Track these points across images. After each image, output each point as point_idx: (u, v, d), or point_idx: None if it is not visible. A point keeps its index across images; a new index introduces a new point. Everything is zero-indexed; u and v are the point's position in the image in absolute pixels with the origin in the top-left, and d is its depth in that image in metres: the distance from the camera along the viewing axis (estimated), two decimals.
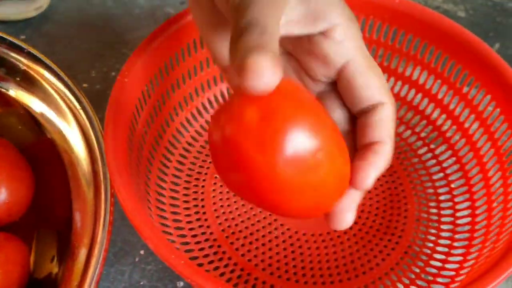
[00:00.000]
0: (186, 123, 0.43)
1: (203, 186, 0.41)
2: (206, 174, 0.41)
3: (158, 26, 0.53)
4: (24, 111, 0.40)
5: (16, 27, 0.52)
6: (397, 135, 0.44)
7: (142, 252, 0.38)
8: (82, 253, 0.33)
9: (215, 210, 0.39)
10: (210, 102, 0.44)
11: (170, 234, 0.37)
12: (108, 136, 0.32)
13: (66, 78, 0.39)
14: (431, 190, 0.41)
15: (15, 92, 0.39)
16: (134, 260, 0.38)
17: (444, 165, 0.42)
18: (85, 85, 0.48)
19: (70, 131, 0.38)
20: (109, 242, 0.31)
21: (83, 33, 0.52)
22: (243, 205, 0.40)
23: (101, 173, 0.34)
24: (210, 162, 0.42)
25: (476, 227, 0.37)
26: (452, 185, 0.41)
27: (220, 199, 0.40)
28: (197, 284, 0.27)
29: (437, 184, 0.41)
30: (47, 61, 0.38)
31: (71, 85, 0.38)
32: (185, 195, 0.40)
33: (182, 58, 0.41)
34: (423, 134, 0.43)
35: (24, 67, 0.37)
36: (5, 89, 0.40)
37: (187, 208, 0.39)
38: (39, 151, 0.40)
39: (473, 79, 0.39)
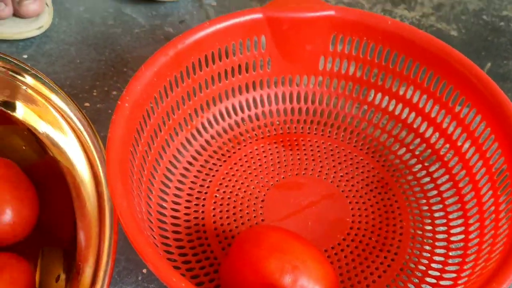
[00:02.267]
0: (186, 143, 0.44)
1: (203, 205, 0.42)
2: (206, 193, 0.42)
3: (158, 45, 0.54)
4: (27, 131, 0.41)
5: (18, 46, 0.53)
6: (392, 153, 0.45)
7: (144, 271, 0.39)
8: (88, 272, 0.34)
9: (215, 229, 0.40)
10: (209, 122, 0.45)
11: (172, 253, 0.38)
12: (110, 161, 0.33)
13: (68, 99, 0.40)
14: (425, 207, 0.42)
15: (19, 113, 0.40)
16: (137, 279, 0.39)
17: (438, 182, 0.43)
18: (86, 104, 0.49)
19: (73, 152, 0.39)
20: (114, 261, 0.32)
21: (84, 52, 0.53)
22: (242, 223, 0.41)
23: (105, 194, 0.35)
24: (210, 181, 0.43)
25: (469, 244, 0.38)
26: (446, 202, 0.42)
27: (220, 218, 0.41)
28: None
29: (431, 201, 0.42)
30: (50, 82, 0.39)
31: (74, 106, 0.39)
32: (186, 214, 0.41)
33: (181, 81, 0.42)
34: (417, 152, 0.45)
35: (28, 88, 0.38)
36: (9, 109, 0.41)
37: (188, 227, 0.40)
38: (43, 171, 0.41)
39: (464, 98, 0.40)
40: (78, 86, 0.50)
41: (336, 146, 0.46)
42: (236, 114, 0.47)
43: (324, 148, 0.46)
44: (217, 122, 0.46)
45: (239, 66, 0.45)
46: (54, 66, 0.52)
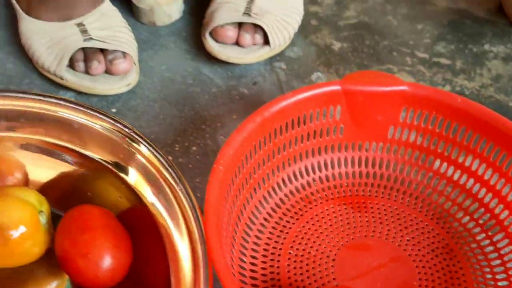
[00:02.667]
0: (263, 201, 0.48)
1: (278, 261, 0.45)
2: (281, 249, 0.46)
3: (233, 104, 0.59)
4: (120, 181, 0.45)
5: (108, 101, 0.58)
6: (456, 220, 0.48)
7: None
8: None
9: (290, 284, 0.43)
10: (283, 181, 0.49)
11: None
12: (208, 220, 0.36)
13: (164, 156, 0.43)
14: (489, 276, 0.44)
15: (131, 178, 0.43)
16: None
17: (502, 252, 0.45)
18: (169, 157, 0.53)
19: (167, 206, 0.43)
20: None
21: (166, 108, 0.58)
22: (315, 281, 0.44)
23: (199, 250, 0.38)
24: (284, 238, 0.46)
25: None
26: (510, 272, 0.44)
27: (294, 274, 0.44)
28: None
29: (495, 270, 0.44)
30: (160, 151, 0.42)
31: (170, 163, 0.43)
32: (263, 268, 0.44)
33: (264, 144, 0.46)
34: (481, 221, 0.47)
35: (142, 157, 0.42)
36: (122, 172, 0.43)
37: (265, 281, 0.44)
38: (136, 219, 0.45)
39: None
40: (161, 141, 0.55)
41: (402, 211, 0.49)
42: (308, 175, 0.50)
43: (391, 211, 0.49)
44: (291, 182, 0.49)
45: (315, 131, 0.49)
46: (140, 121, 0.56)
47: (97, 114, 0.42)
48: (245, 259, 0.44)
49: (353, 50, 0.66)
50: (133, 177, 0.42)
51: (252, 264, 0.44)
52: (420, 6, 0.73)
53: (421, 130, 0.48)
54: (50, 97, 0.43)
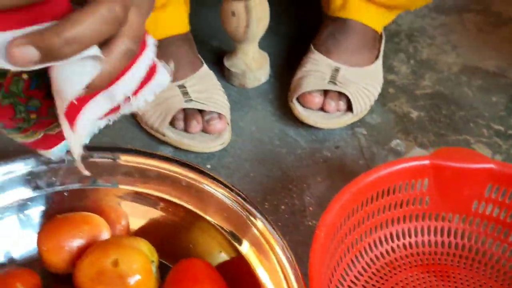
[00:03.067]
0: (351, 263, 0.51)
1: None
2: None
3: (317, 166, 0.62)
4: (220, 235, 0.50)
5: (203, 157, 0.63)
6: None
7: None
8: None
9: None
10: (370, 246, 0.52)
11: None
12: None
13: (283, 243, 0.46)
14: None
15: (244, 249, 0.47)
16: None
17: None
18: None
19: (267, 265, 0.46)
20: None
21: (256, 167, 0.62)
22: None
23: None
24: None
25: None
26: None
27: None
28: None
29: None
30: (274, 228, 0.46)
31: (275, 229, 0.47)
32: None
33: (356, 211, 0.49)
34: None
35: (257, 231, 0.46)
36: (236, 242, 0.47)
37: None
38: (234, 270, 0.48)
39: None
40: (252, 199, 0.59)
41: (485, 283, 0.51)
42: (392, 241, 0.53)
43: (473, 283, 0.51)
44: (376, 247, 0.52)
45: (402, 200, 0.52)
46: (232, 178, 0.61)
47: (224, 185, 0.47)
48: None
49: (430, 119, 0.69)
50: (245, 248, 0.47)
51: None
52: (493, 78, 0.76)
53: (505, 206, 0.51)
54: (172, 160, 0.48)
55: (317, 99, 0.65)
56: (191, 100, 0.63)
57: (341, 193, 0.47)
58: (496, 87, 0.75)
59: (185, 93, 0.64)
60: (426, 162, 0.50)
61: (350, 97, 0.64)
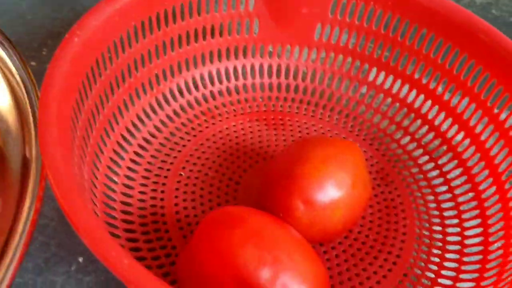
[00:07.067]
0: (149, 110, 0.36)
1: (164, 184, 0.34)
2: (169, 170, 0.34)
3: None
4: None
5: None
6: (394, 141, 0.38)
7: (81, 259, 0.31)
8: None
9: (177, 212, 0.32)
10: (180, 89, 0.38)
11: (118, 237, 0.30)
12: (45, 97, 0.25)
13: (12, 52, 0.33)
14: (433, 205, 0.35)
15: None
16: (70, 269, 0.30)
17: (449, 176, 0.36)
18: (33, 63, 0.41)
19: (4, 107, 0.31)
20: (31, 236, 0.24)
21: (37, 8, 0.45)
22: (211, 208, 0.33)
23: (33, 156, 0.27)
24: (174, 157, 0.35)
25: (490, 248, 0.31)
26: (459, 200, 0.35)
27: (184, 200, 0.33)
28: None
29: (440, 198, 0.35)
30: None
31: (16, 59, 0.31)
32: (142, 192, 0.33)
33: (149, 30, 0.34)
34: (424, 142, 0.38)
35: None
36: None
37: (143, 208, 0.32)
38: None
39: (488, 75, 0.34)
40: (25, 43, 0.42)
41: (329, 130, 0.39)
42: (212, 84, 0.39)
43: (315, 130, 0.38)
44: (189, 91, 0.38)
45: (214, 26, 0.38)
46: (1, 18, 0.44)
47: None
48: (116, 179, 0.32)
49: None
50: None
51: (127, 186, 0.33)
52: None
53: (355, 28, 0.38)
54: None
55: None
56: None
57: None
58: None
59: None
60: None
61: None
